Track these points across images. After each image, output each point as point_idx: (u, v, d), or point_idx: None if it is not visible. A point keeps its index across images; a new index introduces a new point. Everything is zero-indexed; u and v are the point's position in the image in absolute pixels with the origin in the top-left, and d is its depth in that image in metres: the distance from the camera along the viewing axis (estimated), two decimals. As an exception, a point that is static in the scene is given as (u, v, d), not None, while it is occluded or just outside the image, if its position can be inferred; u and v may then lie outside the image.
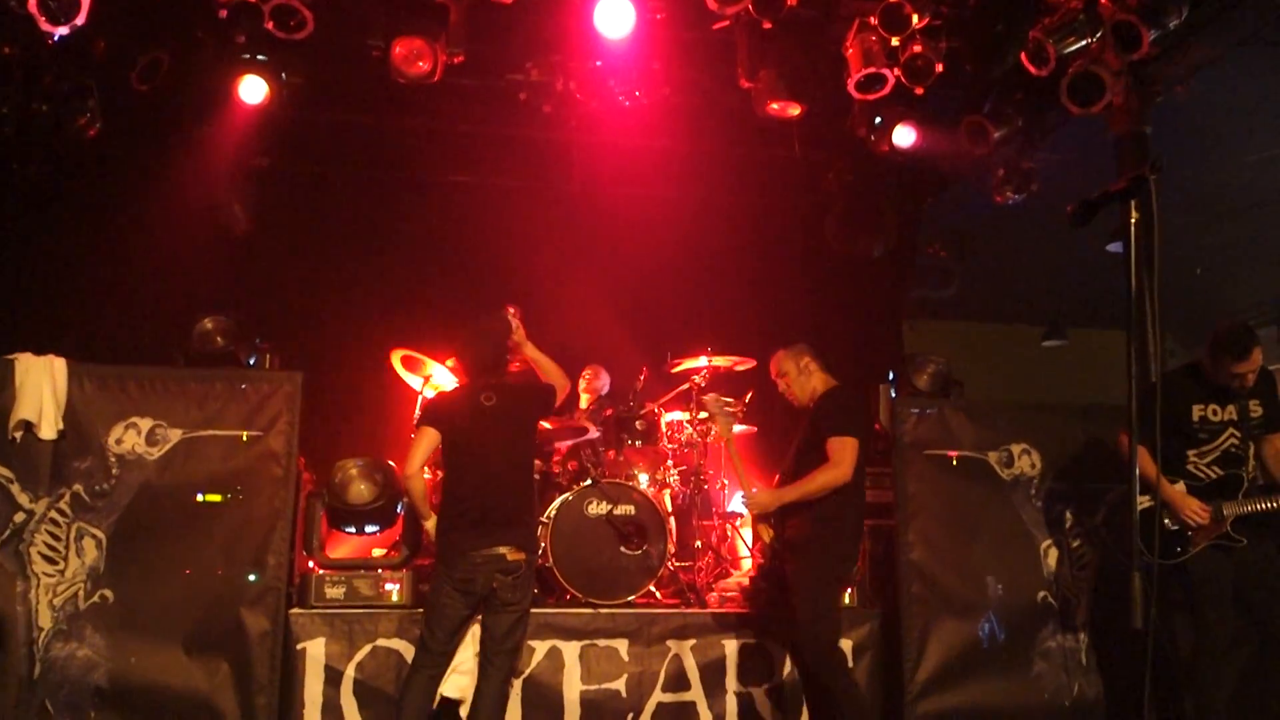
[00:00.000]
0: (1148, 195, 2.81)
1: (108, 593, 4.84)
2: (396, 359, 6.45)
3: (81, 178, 7.20)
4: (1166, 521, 4.72)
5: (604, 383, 7.40)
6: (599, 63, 6.55)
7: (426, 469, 4.90)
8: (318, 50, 6.46)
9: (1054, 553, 5.59)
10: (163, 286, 7.15)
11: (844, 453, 4.63)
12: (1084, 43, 5.73)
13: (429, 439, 4.70)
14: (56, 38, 5.37)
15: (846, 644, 5.41)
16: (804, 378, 4.90)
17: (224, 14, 5.88)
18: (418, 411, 6.44)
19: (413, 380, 6.50)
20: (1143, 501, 4.57)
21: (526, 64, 6.84)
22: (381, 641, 5.13)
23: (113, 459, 4.95)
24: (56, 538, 4.85)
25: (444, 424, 4.70)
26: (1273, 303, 11.06)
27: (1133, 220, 2.85)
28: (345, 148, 7.86)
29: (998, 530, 5.56)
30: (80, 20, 5.22)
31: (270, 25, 5.78)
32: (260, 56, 6.39)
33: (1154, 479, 4.27)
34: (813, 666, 4.72)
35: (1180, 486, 4.73)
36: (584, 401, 7.33)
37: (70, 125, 6.22)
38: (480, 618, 4.65)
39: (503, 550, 4.47)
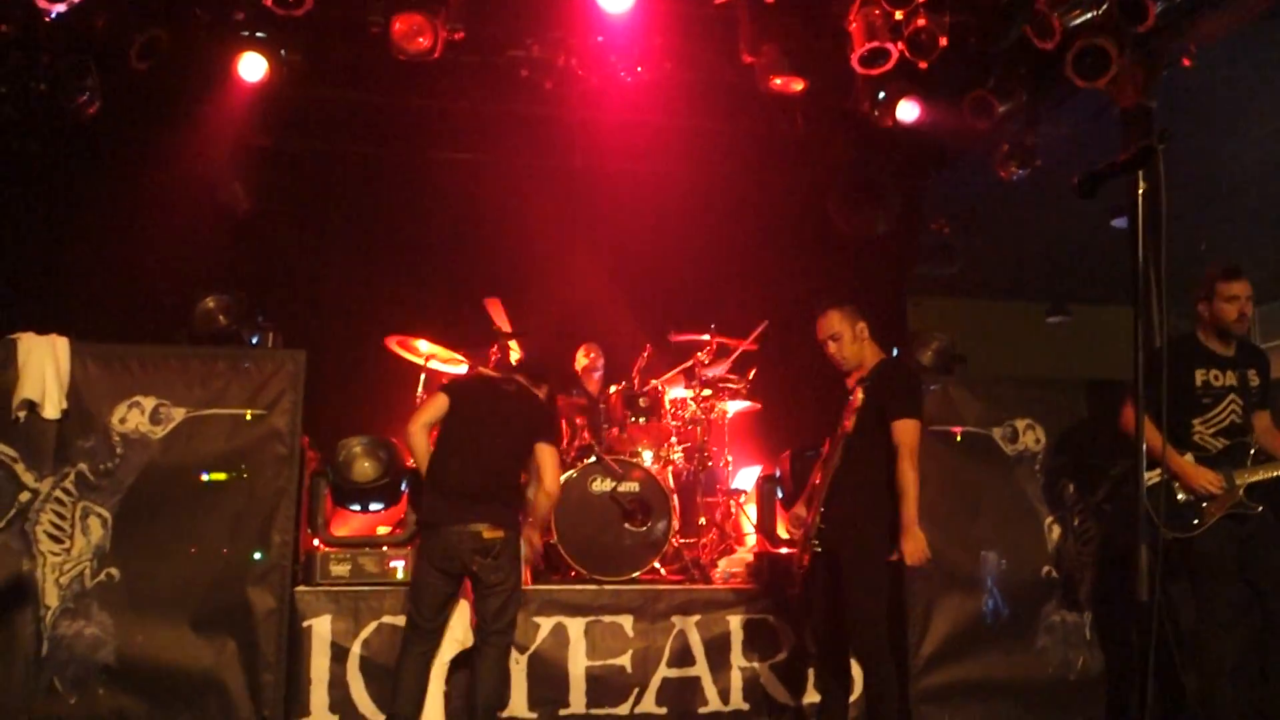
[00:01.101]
0: (1155, 166, 2.79)
1: (114, 571, 4.86)
2: (393, 343, 6.48)
3: (82, 157, 7.17)
4: (1179, 494, 4.68)
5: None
6: (600, 38, 6.52)
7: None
8: (317, 27, 6.42)
9: (1057, 528, 5.60)
10: (165, 265, 7.13)
11: (913, 436, 4.47)
12: (1089, 15, 5.69)
13: (439, 402, 4.79)
14: (54, 15, 5.34)
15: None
16: (857, 344, 4.65)
17: (222, -9, 5.84)
18: (421, 390, 6.46)
19: (413, 359, 6.51)
20: (1152, 476, 4.57)
21: (527, 40, 6.79)
22: (387, 618, 5.15)
23: (117, 438, 4.95)
24: (62, 516, 4.86)
25: (457, 394, 4.78)
26: (1277, 277, 11.03)
27: (1140, 192, 2.82)
28: (346, 125, 7.81)
29: (1002, 505, 5.56)
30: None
31: (269, 2, 5.74)
32: (259, 34, 6.35)
33: (1160, 449, 4.24)
34: (861, 641, 4.52)
35: (1189, 458, 4.71)
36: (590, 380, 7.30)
37: (69, 104, 6.18)
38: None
39: (479, 527, 4.47)
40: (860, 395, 4.53)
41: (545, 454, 4.82)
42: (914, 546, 4.39)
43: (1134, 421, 4.58)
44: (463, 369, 6.39)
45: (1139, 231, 2.79)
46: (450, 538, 4.50)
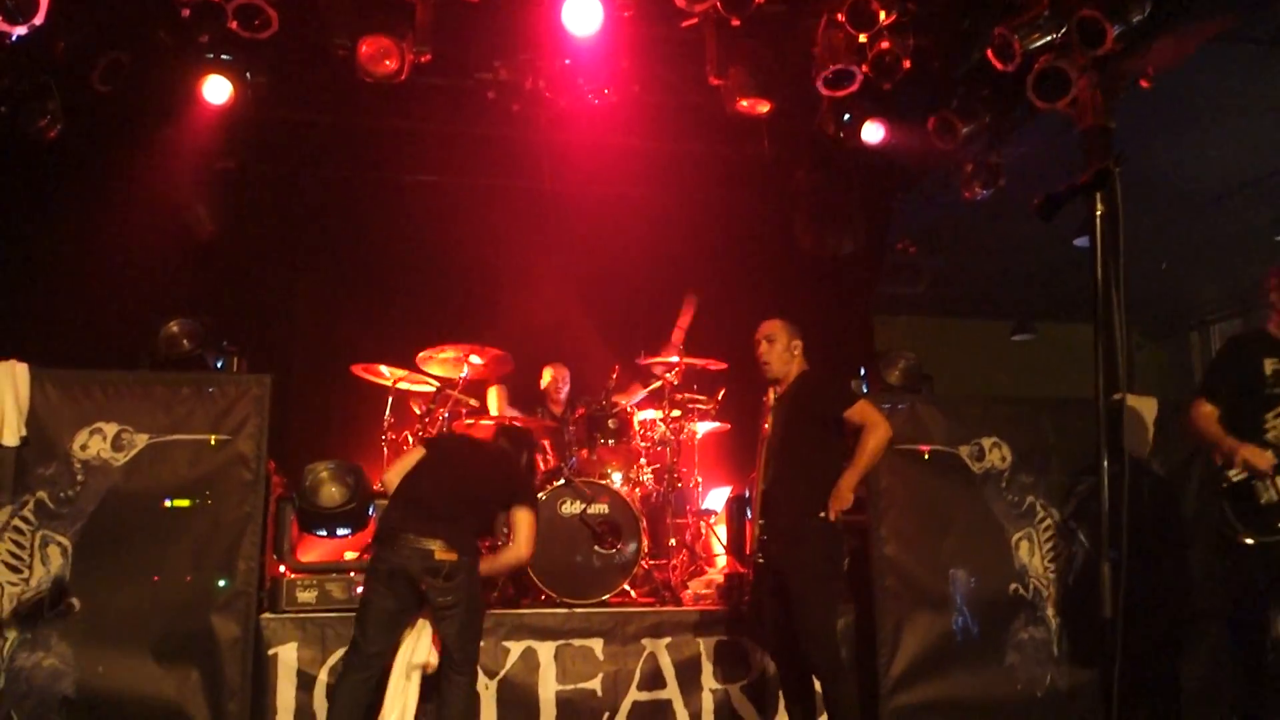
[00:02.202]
0: (1112, 188, 2.83)
1: (74, 601, 4.77)
2: (358, 369, 6.43)
3: (43, 180, 7.08)
4: (1263, 496, 4.42)
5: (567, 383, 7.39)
6: (567, 61, 6.53)
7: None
8: (283, 50, 6.40)
9: (1025, 545, 5.63)
10: (127, 290, 7.06)
11: (873, 413, 4.60)
12: (1049, 38, 5.78)
13: (417, 453, 4.79)
14: (14, 38, 5.28)
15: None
16: (788, 356, 4.79)
17: (186, 13, 5.80)
18: (388, 413, 6.41)
19: (380, 381, 6.46)
20: (1237, 474, 4.48)
21: (494, 62, 6.81)
22: (354, 645, 5.09)
23: (78, 465, 4.88)
24: (21, 545, 4.78)
25: (434, 445, 4.81)
26: (1235, 295, 11.22)
27: (1098, 213, 2.86)
28: (312, 148, 7.79)
29: (969, 523, 5.59)
30: (39, 20, 5.14)
31: (234, 25, 5.72)
32: (224, 56, 6.33)
33: (1219, 435, 4.16)
34: (816, 656, 4.51)
35: (1269, 455, 4.42)
36: (555, 400, 7.30)
37: (30, 127, 6.13)
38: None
39: (433, 545, 4.40)
40: (783, 406, 4.68)
41: (522, 518, 4.74)
42: (838, 504, 4.50)
43: (1201, 420, 4.55)
44: (430, 387, 6.35)
45: (1098, 254, 2.83)
46: (402, 551, 4.39)
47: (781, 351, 4.79)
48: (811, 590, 4.51)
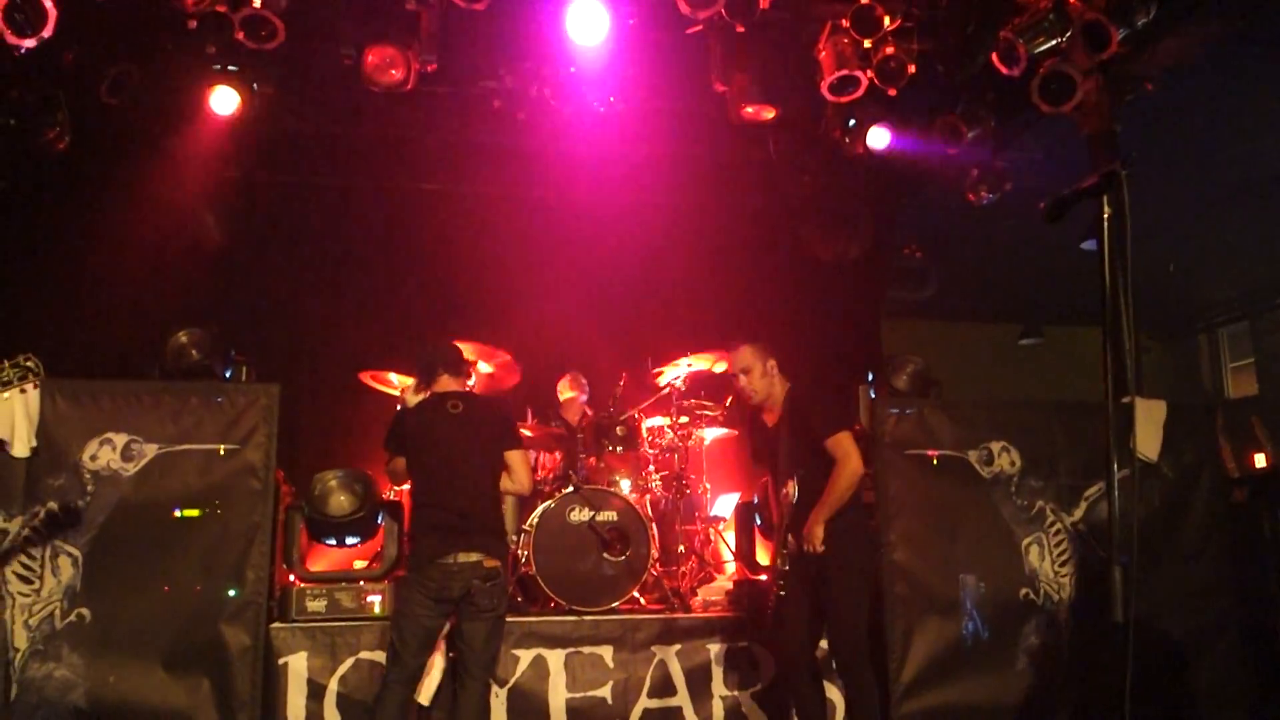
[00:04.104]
0: (1120, 191, 2.82)
1: (85, 611, 4.78)
2: (366, 377, 6.45)
3: (52, 191, 7.12)
4: None
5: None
6: (573, 69, 6.55)
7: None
8: (289, 60, 6.42)
9: (1035, 550, 5.62)
10: (136, 300, 7.09)
11: (848, 446, 4.59)
12: (1054, 42, 5.77)
13: (398, 464, 4.75)
14: (23, 50, 5.31)
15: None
16: (767, 379, 4.79)
17: (193, 25, 5.83)
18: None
19: (388, 390, 6.48)
20: None
21: (500, 71, 6.82)
22: (364, 654, 5.10)
23: (88, 475, 4.89)
24: (32, 556, 4.79)
25: (409, 442, 4.69)
26: (1243, 298, 11.19)
27: (1105, 216, 2.86)
28: (319, 157, 7.81)
29: (979, 528, 5.57)
30: (47, 33, 5.17)
31: (241, 35, 5.74)
32: (231, 67, 6.34)
33: None
34: (848, 663, 4.59)
35: None
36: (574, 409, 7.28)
37: (39, 138, 6.15)
38: (451, 627, 4.61)
39: (478, 557, 4.43)
40: (785, 428, 4.69)
41: (515, 458, 4.76)
42: (810, 544, 4.53)
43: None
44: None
45: (1105, 258, 2.82)
46: (451, 567, 4.41)
47: (760, 378, 4.79)
48: (849, 592, 4.58)
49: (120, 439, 4.96)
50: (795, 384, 4.85)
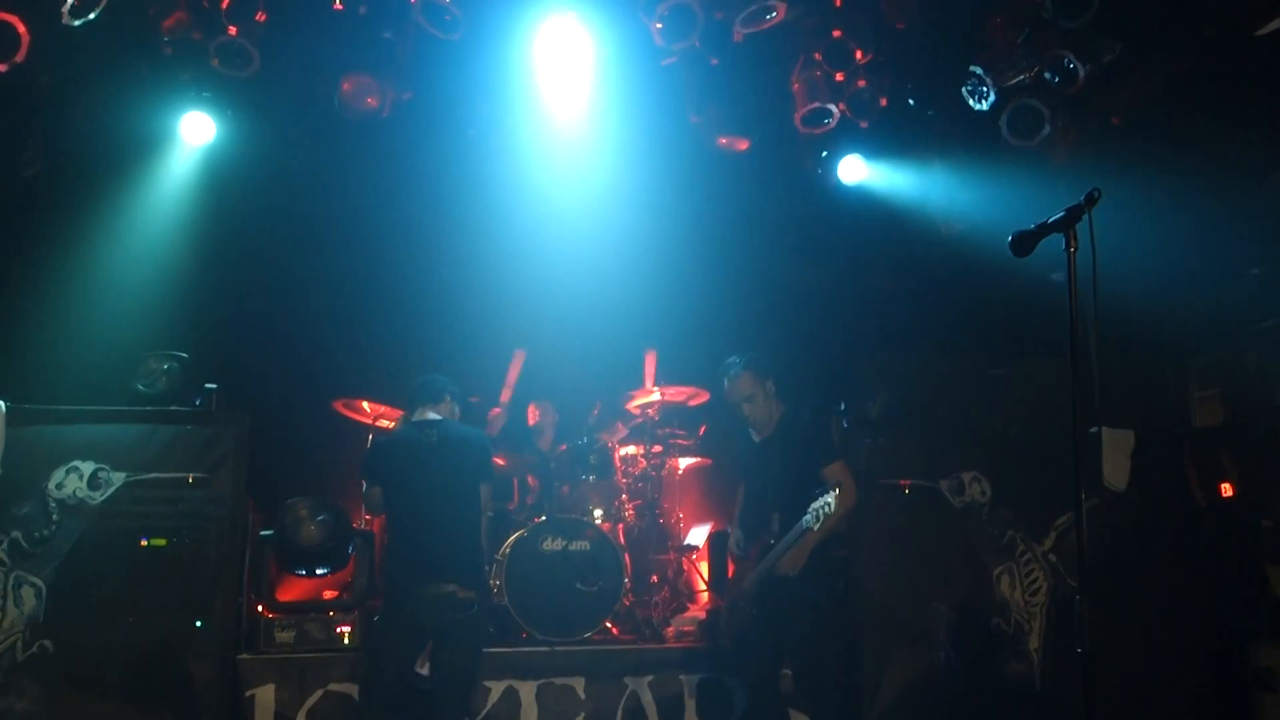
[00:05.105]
0: (1086, 225, 2.88)
1: (47, 643, 4.72)
2: (339, 406, 6.42)
3: (22, 216, 7.05)
4: None
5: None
6: (547, 97, 6.58)
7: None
8: (265, 87, 6.42)
9: (1005, 579, 5.64)
10: (105, 326, 7.01)
11: (845, 475, 4.62)
12: (1022, 77, 5.87)
13: (375, 494, 4.75)
14: (-5, 75, 5.29)
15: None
16: (768, 403, 4.83)
17: (169, 51, 5.83)
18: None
19: (361, 420, 6.45)
20: None
21: (475, 100, 6.84)
22: (334, 686, 5.05)
23: (53, 504, 4.84)
24: (-7, 587, 4.72)
25: (384, 471, 4.67)
26: (1210, 328, 11.29)
27: (1072, 250, 2.91)
28: (292, 185, 7.78)
29: (949, 558, 5.60)
30: (20, 58, 5.16)
31: (216, 63, 5.74)
32: (206, 94, 6.34)
33: None
34: (815, 691, 4.63)
35: None
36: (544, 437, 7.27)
37: (10, 164, 6.11)
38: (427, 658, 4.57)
39: (452, 588, 4.41)
40: (772, 449, 4.72)
41: (484, 492, 4.83)
42: (794, 566, 4.53)
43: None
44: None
45: (1071, 287, 2.87)
46: (425, 598, 4.41)
47: (763, 403, 4.82)
48: (812, 615, 4.61)
49: (87, 467, 4.91)
50: (790, 407, 4.85)
